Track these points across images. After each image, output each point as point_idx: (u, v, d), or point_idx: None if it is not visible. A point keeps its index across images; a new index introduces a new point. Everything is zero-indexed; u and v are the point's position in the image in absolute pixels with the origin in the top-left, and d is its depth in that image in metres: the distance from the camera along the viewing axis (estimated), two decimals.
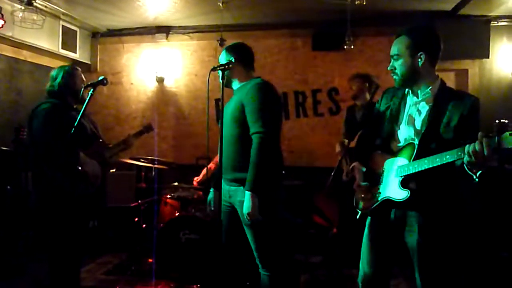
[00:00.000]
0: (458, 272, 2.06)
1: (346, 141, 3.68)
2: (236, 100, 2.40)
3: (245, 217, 2.26)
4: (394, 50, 1.95)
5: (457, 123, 1.80)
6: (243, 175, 2.27)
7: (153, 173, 3.97)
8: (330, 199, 4.18)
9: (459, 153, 1.60)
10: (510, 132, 1.46)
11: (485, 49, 4.43)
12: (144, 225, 3.81)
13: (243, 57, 2.49)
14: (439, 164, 1.69)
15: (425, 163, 1.75)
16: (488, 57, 4.49)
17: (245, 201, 2.24)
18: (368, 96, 3.81)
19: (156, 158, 3.91)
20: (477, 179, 1.61)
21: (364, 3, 3.12)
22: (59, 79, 2.67)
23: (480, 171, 1.59)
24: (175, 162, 4.25)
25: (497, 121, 1.56)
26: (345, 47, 4.31)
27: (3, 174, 4.03)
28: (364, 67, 4.83)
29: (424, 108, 1.90)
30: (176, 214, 3.62)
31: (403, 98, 2.01)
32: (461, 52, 4.49)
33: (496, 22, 4.49)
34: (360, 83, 3.83)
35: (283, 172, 2.49)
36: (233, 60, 2.35)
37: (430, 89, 1.91)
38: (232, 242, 2.49)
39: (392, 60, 1.96)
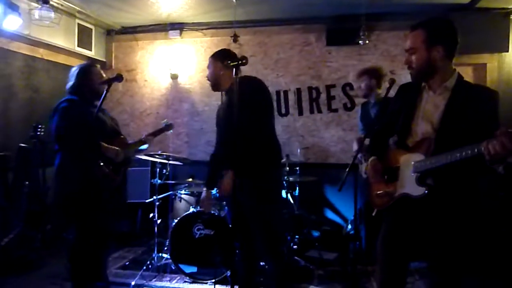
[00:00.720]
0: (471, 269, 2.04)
1: (363, 138, 3.63)
2: (231, 99, 2.50)
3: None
4: (409, 43, 1.92)
5: (476, 118, 1.75)
6: (243, 167, 2.36)
7: (168, 169, 3.99)
8: (343, 194, 4.14)
9: (480, 148, 1.55)
10: None
11: (504, 42, 4.32)
12: (159, 221, 3.84)
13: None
14: (459, 159, 1.64)
15: (444, 159, 1.71)
16: (507, 51, 4.38)
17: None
18: (378, 91, 3.76)
19: (170, 154, 3.93)
20: (503, 172, 1.56)
21: None
22: (76, 77, 2.71)
23: (502, 165, 1.55)
24: (188, 158, 4.26)
25: None
26: (359, 42, 4.27)
27: (21, 170, 4.11)
28: (379, 62, 4.76)
29: (442, 102, 1.86)
30: (191, 210, 3.64)
31: (420, 93, 1.97)
32: (479, 46, 4.39)
33: None
34: (367, 80, 3.77)
35: (283, 161, 2.61)
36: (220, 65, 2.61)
37: (447, 83, 1.87)
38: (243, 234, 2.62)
39: (407, 55, 1.93)
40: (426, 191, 1.79)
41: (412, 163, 1.88)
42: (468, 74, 4.68)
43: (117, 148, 2.75)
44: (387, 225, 2.06)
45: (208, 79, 2.77)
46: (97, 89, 2.74)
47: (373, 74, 3.77)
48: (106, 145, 2.71)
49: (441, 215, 1.84)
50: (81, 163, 2.57)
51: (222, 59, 2.61)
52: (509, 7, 4.28)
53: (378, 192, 2.06)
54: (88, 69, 2.81)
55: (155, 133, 3.30)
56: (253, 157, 2.46)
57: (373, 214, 2.09)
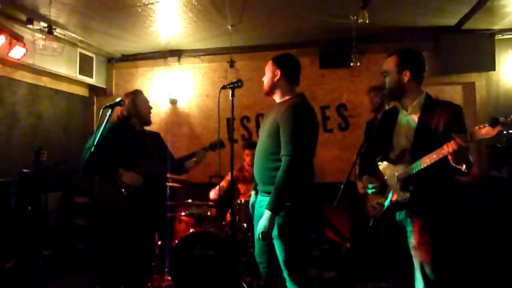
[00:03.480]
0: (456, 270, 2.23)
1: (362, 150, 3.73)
2: (273, 117, 2.41)
3: (258, 234, 2.29)
4: (384, 67, 2.25)
5: (444, 128, 2.02)
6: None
7: (167, 191, 4.07)
8: (341, 213, 4.21)
9: (443, 151, 1.84)
10: (478, 126, 1.76)
11: (490, 61, 4.49)
12: (159, 242, 3.88)
13: (287, 70, 2.48)
14: (430, 163, 1.92)
15: (418, 165, 1.99)
16: (494, 70, 4.54)
17: (262, 218, 2.27)
18: (387, 107, 3.87)
19: (170, 176, 4.01)
20: (465, 171, 1.85)
21: (367, 21, 3.24)
22: (122, 104, 2.84)
23: (464, 164, 1.84)
24: (188, 180, 4.34)
25: (491, 116, 1.75)
26: (351, 64, 4.42)
27: (23, 195, 4.18)
28: (371, 83, 4.91)
29: (414, 119, 2.15)
30: (191, 230, 3.70)
31: (396, 113, 2.27)
32: (468, 65, 4.58)
33: (500, 35, 4.55)
34: (380, 95, 3.88)
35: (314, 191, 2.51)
36: (278, 72, 2.44)
37: (416, 102, 2.16)
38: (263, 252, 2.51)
39: (382, 77, 2.26)
40: (410, 196, 2.05)
41: (396, 174, 2.15)
42: (458, 93, 4.84)
43: (132, 174, 2.86)
44: (385, 231, 2.31)
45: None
46: (143, 115, 3.10)
47: (382, 91, 3.89)
48: (122, 170, 2.85)
49: (422, 214, 2.08)
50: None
51: (282, 67, 2.49)
52: (494, 28, 4.46)
53: (372, 204, 2.30)
54: (134, 96, 3.09)
55: (206, 149, 3.40)
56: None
57: (370, 224, 2.31)
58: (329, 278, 4.10)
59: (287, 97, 2.48)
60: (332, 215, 4.90)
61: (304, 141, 2.30)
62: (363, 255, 4.10)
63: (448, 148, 1.81)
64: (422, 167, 1.97)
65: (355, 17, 3.39)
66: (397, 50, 2.23)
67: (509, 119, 1.70)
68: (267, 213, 2.23)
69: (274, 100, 2.61)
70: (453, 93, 4.82)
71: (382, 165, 2.28)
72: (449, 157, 1.83)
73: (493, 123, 1.72)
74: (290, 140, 2.26)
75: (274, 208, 2.22)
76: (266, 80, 2.55)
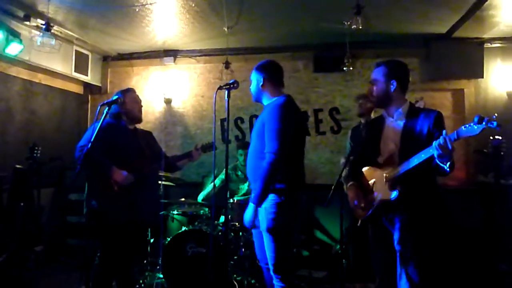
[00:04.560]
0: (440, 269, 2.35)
1: (351, 157, 3.82)
2: (262, 117, 2.55)
3: (244, 222, 2.49)
4: (373, 76, 2.40)
5: (427, 132, 2.19)
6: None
7: (160, 189, 4.10)
8: (331, 214, 4.29)
9: (430, 150, 1.98)
10: (464, 125, 1.90)
11: (479, 69, 4.60)
12: (152, 240, 3.92)
13: (271, 76, 2.63)
14: (417, 162, 2.07)
15: (407, 164, 2.13)
16: (482, 77, 4.65)
17: (246, 210, 2.46)
18: (372, 116, 3.96)
19: (163, 174, 4.05)
20: (448, 170, 2.01)
21: (360, 27, 3.31)
22: (114, 102, 2.87)
23: (449, 162, 1.99)
24: (181, 179, 4.37)
25: (476, 115, 1.88)
26: (344, 68, 4.51)
27: (16, 191, 4.18)
28: (363, 87, 5.01)
29: (399, 124, 2.31)
30: (183, 229, 3.74)
31: (383, 120, 2.42)
32: (457, 72, 4.69)
33: (489, 44, 4.68)
34: (364, 103, 3.97)
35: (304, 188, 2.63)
36: (262, 79, 2.58)
37: (401, 110, 2.32)
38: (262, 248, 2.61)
39: (370, 85, 2.41)
40: (398, 193, 2.17)
41: (384, 175, 2.28)
42: (447, 99, 4.96)
43: (123, 173, 2.88)
44: (372, 231, 2.44)
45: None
46: (133, 114, 3.10)
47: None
48: (115, 168, 2.87)
49: (408, 214, 2.21)
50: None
51: (264, 72, 2.63)
52: (483, 37, 4.59)
53: (360, 205, 2.42)
54: (125, 94, 3.09)
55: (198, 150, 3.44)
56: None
57: (358, 224, 2.44)
58: (318, 278, 4.18)
59: (273, 98, 2.61)
60: (323, 216, 4.98)
61: (287, 140, 2.40)
62: (352, 256, 4.18)
63: (437, 145, 1.93)
64: (411, 166, 2.11)
65: (348, 23, 3.46)
66: (385, 61, 2.39)
67: (493, 117, 1.82)
68: (250, 205, 2.44)
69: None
70: (443, 99, 4.94)
71: (369, 169, 2.43)
72: (436, 154, 1.96)
73: (478, 121, 1.83)
74: (272, 137, 2.38)
75: (256, 200, 2.40)
76: (253, 88, 2.70)
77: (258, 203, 2.41)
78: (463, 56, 4.58)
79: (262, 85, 2.61)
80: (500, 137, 3.54)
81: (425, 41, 4.75)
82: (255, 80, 2.66)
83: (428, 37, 4.69)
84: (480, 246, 3.88)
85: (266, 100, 2.65)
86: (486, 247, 3.82)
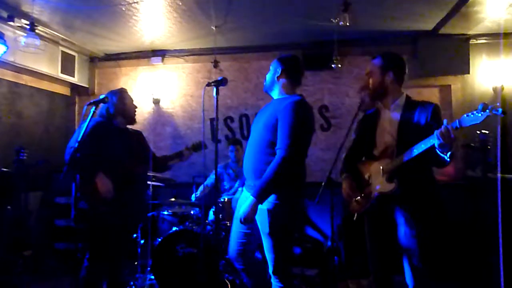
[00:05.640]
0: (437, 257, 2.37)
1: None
2: (272, 110, 2.43)
3: (239, 217, 2.34)
4: (369, 68, 2.39)
5: (424, 124, 2.17)
6: None
7: (150, 189, 4.07)
8: (322, 212, 4.30)
9: (431, 140, 1.96)
10: (466, 114, 1.87)
11: (465, 65, 4.65)
12: (142, 241, 3.88)
13: (290, 70, 2.53)
14: (418, 153, 2.05)
15: (405, 155, 2.11)
16: (468, 73, 4.71)
17: (245, 203, 2.33)
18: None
19: (153, 174, 4.01)
20: (448, 160, 1.99)
21: (348, 24, 3.33)
22: (108, 102, 2.84)
23: (449, 152, 1.97)
24: (172, 179, 4.34)
25: (480, 103, 1.84)
26: (333, 66, 4.52)
27: (3, 194, 4.11)
28: (352, 85, 5.04)
29: (396, 116, 2.29)
30: (173, 229, 3.71)
31: (378, 113, 2.41)
32: (444, 68, 4.74)
33: (475, 40, 4.73)
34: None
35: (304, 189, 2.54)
36: (280, 70, 2.49)
37: (398, 101, 2.31)
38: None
39: (366, 78, 2.39)
40: (396, 186, 2.16)
41: (381, 167, 2.25)
42: (435, 95, 5.01)
43: (106, 183, 2.77)
44: (369, 225, 2.41)
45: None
46: (128, 113, 3.08)
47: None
48: (101, 176, 2.77)
49: (407, 206, 2.20)
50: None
51: (284, 65, 2.54)
52: (469, 33, 4.64)
53: (357, 198, 2.39)
54: (120, 94, 3.06)
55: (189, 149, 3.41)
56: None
57: (354, 219, 2.42)
58: (310, 275, 4.18)
59: (287, 95, 2.51)
60: (314, 213, 4.99)
61: (300, 139, 2.32)
62: (344, 253, 4.20)
63: (439, 134, 1.90)
64: (410, 157, 2.09)
65: (336, 20, 3.48)
66: (382, 53, 2.39)
67: (496, 105, 1.79)
68: (251, 199, 2.28)
69: (268, 98, 2.68)
70: (430, 95, 4.98)
71: (364, 162, 2.40)
72: (437, 144, 1.93)
73: (482, 109, 1.80)
74: (288, 135, 2.28)
75: (259, 195, 2.26)
76: (268, 77, 2.61)
77: (260, 198, 2.26)
78: (449, 52, 4.62)
79: (278, 77, 2.52)
80: (487, 131, 3.58)
81: (413, 38, 4.78)
82: (273, 69, 2.57)
83: (415, 34, 4.73)
84: (469, 240, 3.92)
85: (277, 94, 2.55)
86: (475, 241, 3.86)
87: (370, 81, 2.37)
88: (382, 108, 2.40)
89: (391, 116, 2.32)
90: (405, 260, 2.23)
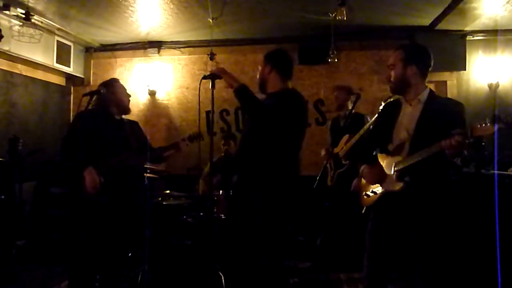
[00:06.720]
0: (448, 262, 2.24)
1: (331, 147, 3.87)
2: (267, 103, 2.43)
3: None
4: (391, 60, 2.24)
5: (445, 123, 2.01)
6: (259, 178, 2.37)
7: (146, 181, 4.07)
8: (316, 205, 4.32)
9: (441, 145, 1.88)
10: (479, 124, 1.77)
11: (461, 61, 4.68)
12: (137, 232, 3.89)
13: (278, 65, 2.52)
14: (427, 155, 1.97)
15: (416, 156, 2.03)
16: (464, 69, 4.73)
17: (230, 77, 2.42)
18: (350, 106, 4.01)
19: (148, 166, 4.01)
20: (460, 164, 1.93)
21: (345, 18, 3.33)
22: (97, 93, 2.82)
23: (460, 159, 1.93)
24: (167, 171, 4.35)
25: (494, 114, 1.77)
26: (329, 60, 4.52)
27: None
28: (348, 79, 5.04)
29: (416, 113, 2.16)
30: (168, 221, 3.73)
31: (399, 106, 2.28)
32: (440, 64, 4.68)
33: (471, 37, 4.75)
34: (345, 94, 4.03)
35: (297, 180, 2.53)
36: (269, 67, 2.48)
37: (420, 97, 2.18)
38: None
39: (388, 70, 2.25)
40: (404, 186, 2.09)
41: (392, 164, 2.18)
42: None
43: (93, 180, 2.73)
44: (373, 221, 2.32)
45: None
46: (122, 104, 3.05)
47: (349, 91, 4.04)
48: (90, 170, 2.74)
49: (417, 207, 2.11)
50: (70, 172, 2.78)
51: (273, 62, 2.54)
52: (465, 29, 4.65)
53: (366, 192, 2.35)
54: (112, 84, 3.05)
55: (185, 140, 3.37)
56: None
57: (363, 212, 2.40)
58: (303, 268, 4.21)
59: (279, 89, 2.51)
60: (307, 206, 5.00)
61: (285, 119, 2.31)
62: (337, 246, 4.22)
63: (446, 143, 1.85)
64: (421, 158, 2.00)
65: (333, 14, 3.48)
66: (404, 45, 2.27)
67: (509, 118, 1.72)
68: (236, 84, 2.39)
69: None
70: None
71: (379, 155, 2.32)
72: (446, 151, 1.88)
73: (495, 120, 1.73)
74: (275, 109, 2.30)
75: (238, 89, 2.36)
76: (259, 74, 2.61)
77: (238, 90, 2.35)
78: (446, 48, 4.63)
79: (267, 73, 2.52)
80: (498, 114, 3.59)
81: (410, 33, 4.78)
82: (261, 67, 2.57)
83: (412, 29, 4.73)
84: (464, 235, 3.95)
85: (270, 90, 2.55)
86: (470, 236, 3.89)
87: (392, 73, 2.23)
88: (404, 102, 2.26)
89: (410, 112, 2.19)
90: (417, 266, 2.11)
